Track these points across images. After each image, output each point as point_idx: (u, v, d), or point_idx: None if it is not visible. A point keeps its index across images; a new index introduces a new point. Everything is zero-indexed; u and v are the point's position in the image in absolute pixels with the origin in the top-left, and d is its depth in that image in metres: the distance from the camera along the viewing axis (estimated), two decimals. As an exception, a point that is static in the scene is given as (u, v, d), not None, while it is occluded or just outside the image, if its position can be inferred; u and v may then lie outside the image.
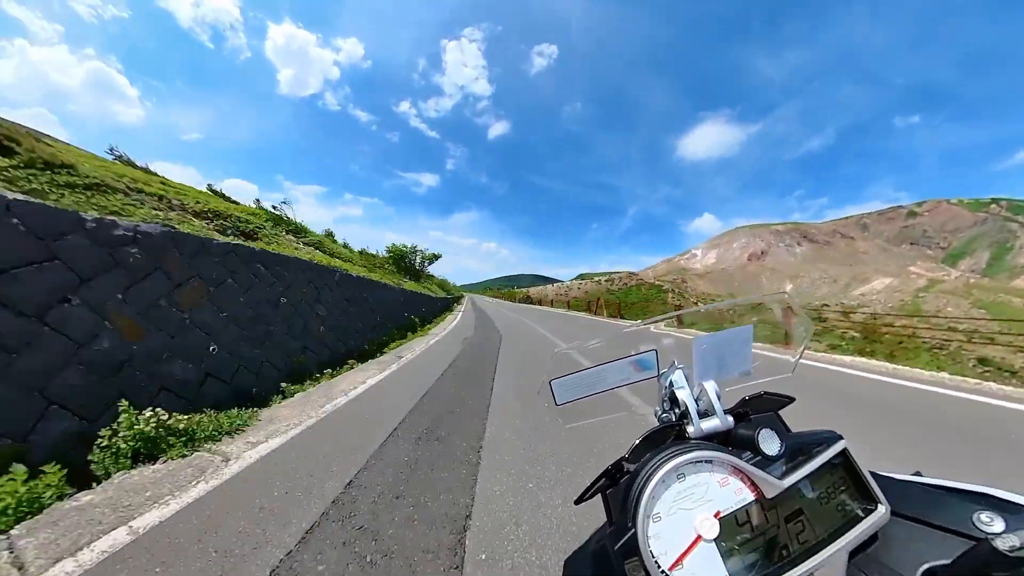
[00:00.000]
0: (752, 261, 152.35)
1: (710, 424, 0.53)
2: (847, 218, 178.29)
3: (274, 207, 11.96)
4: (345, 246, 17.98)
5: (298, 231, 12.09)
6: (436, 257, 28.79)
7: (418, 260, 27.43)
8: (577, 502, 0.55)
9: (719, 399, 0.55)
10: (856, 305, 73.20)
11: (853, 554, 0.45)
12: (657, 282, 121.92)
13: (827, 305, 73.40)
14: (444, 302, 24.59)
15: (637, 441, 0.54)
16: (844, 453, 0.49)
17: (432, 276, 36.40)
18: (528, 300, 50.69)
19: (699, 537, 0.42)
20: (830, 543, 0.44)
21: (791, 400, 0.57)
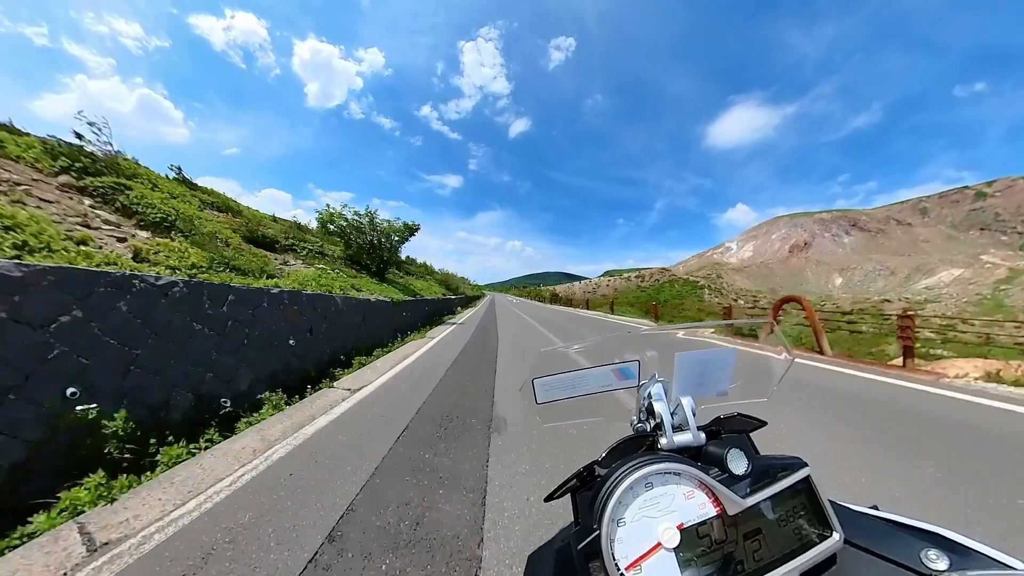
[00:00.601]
0: (794, 253, 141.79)
1: (683, 438, 0.56)
2: (902, 203, 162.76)
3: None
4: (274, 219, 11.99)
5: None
6: (411, 230, 15.93)
7: (378, 238, 14.17)
8: (547, 499, 0.57)
9: (694, 415, 0.58)
10: (922, 300, 65.27)
11: None
12: (691, 278, 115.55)
13: (888, 300, 65.96)
14: (439, 307, 18.35)
15: (611, 447, 0.58)
16: (807, 480, 0.51)
17: (414, 262, 26.86)
18: (556, 299, 43.83)
19: (659, 544, 0.44)
20: (784, 563, 0.46)
21: (763, 424, 0.60)
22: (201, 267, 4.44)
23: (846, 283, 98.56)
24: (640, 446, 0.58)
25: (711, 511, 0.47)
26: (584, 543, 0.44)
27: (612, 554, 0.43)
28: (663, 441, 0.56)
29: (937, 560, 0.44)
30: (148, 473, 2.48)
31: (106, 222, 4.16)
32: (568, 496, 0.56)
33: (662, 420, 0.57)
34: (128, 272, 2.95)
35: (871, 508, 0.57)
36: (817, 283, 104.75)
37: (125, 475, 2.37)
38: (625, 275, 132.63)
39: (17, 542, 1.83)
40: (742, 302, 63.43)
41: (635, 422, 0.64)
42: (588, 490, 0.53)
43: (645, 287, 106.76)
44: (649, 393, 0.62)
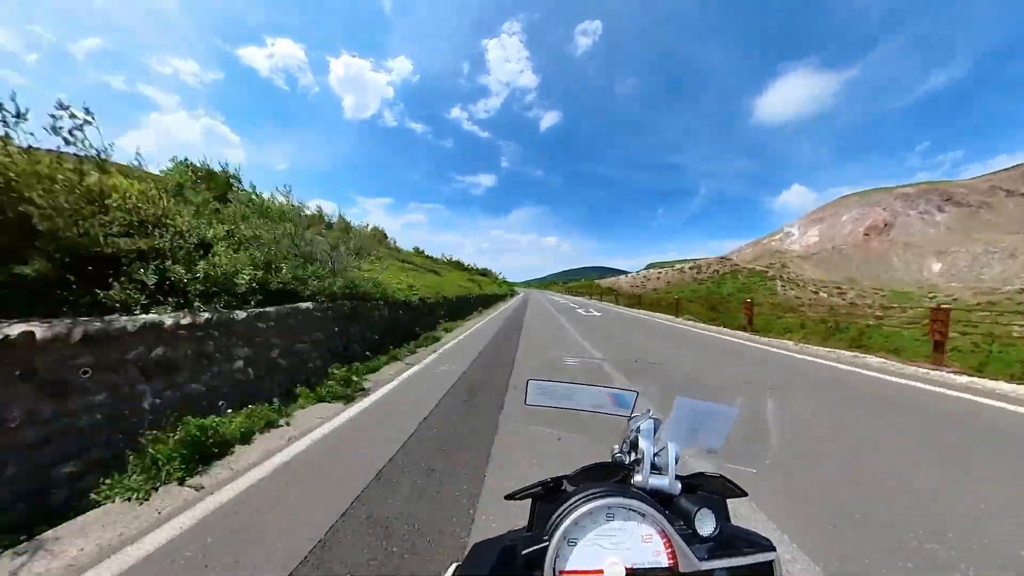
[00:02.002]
0: (872, 236, 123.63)
1: (658, 481, 0.55)
2: (1009, 170, 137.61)
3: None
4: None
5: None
6: (374, 242, 12.58)
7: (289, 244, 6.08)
8: (507, 498, 0.57)
9: (676, 463, 0.56)
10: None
11: None
12: (758, 268, 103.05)
13: None
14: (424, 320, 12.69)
15: (585, 467, 0.59)
16: (771, 565, 0.49)
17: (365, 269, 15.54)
18: (612, 293, 41.68)
19: (601, 572, 0.44)
20: None
21: (743, 494, 0.57)
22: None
23: (947, 269, 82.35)
24: (614, 475, 0.59)
25: (664, 562, 0.46)
26: (530, 550, 0.45)
27: (554, 569, 0.44)
28: (638, 478, 0.56)
29: None
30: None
31: None
32: (530, 501, 0.57)
33: (643, 457, 0.57)
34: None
35: None
36: (907, 271, 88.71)
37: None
38: (677, 266, 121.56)
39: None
40: (824, 294, 53.42)
41: (616, 451, 0.65)
42: (550, 502, 0.54)
43: (702, 279, 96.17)
44: (638, 427, 0.62)
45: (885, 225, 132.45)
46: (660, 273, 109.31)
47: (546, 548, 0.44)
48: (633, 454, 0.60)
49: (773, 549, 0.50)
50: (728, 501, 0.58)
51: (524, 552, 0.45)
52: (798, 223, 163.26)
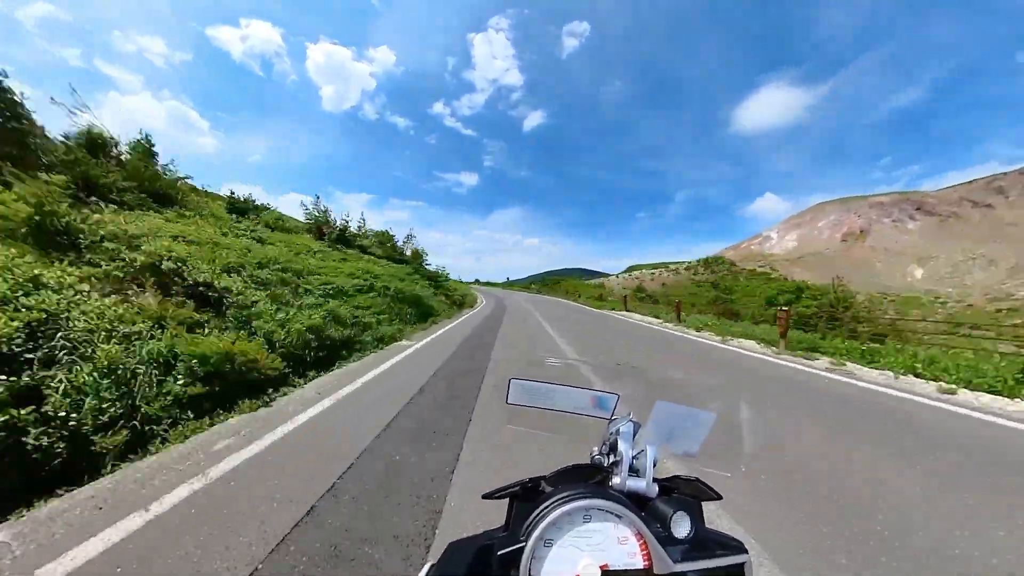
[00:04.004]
0: (848, 242, 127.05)
1: (636, 484, 0.55)
2: (971, 182, 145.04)
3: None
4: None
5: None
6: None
7: None
8: (484, 497, 0.57)
9: (654, 466, 0.56)
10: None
11: None
12: (759, 270, 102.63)
13: None
14: None
15: (562, 468, 0.59)
16: (742, 567, 0.50)
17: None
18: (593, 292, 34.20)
19: (577, 574, 0.44)
20: None
21: (718, 498, 0.58)
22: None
23: (930, 276, 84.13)
24: (591, 477, 0.59)
25: (639, 563, 0.46)
26: (506, 550, 0.45)
27: (530, 571, 0.44)
28: (616, 480, 0.56)
29: None
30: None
31: None
32: (507, 501, 0.56)
33: (622, 460, 0.57)
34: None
35: None
36: (891, 276, 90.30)
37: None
38: (672, 267, 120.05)
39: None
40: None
41: (595, 453, 0.64)
42: (528, 502, 0.53)
43: (700, 281, 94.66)
44: (618, 430, 0.61)
45: (861, 231, 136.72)
46: (654, 274, 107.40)
47: (522, 549, 0.44)
48: (612, 456, 0.59)
49: (745, 551, 0.51)
50: (704, 506, 0.58)
51: (500, 552, 0.45)
52: (778, 228, 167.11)
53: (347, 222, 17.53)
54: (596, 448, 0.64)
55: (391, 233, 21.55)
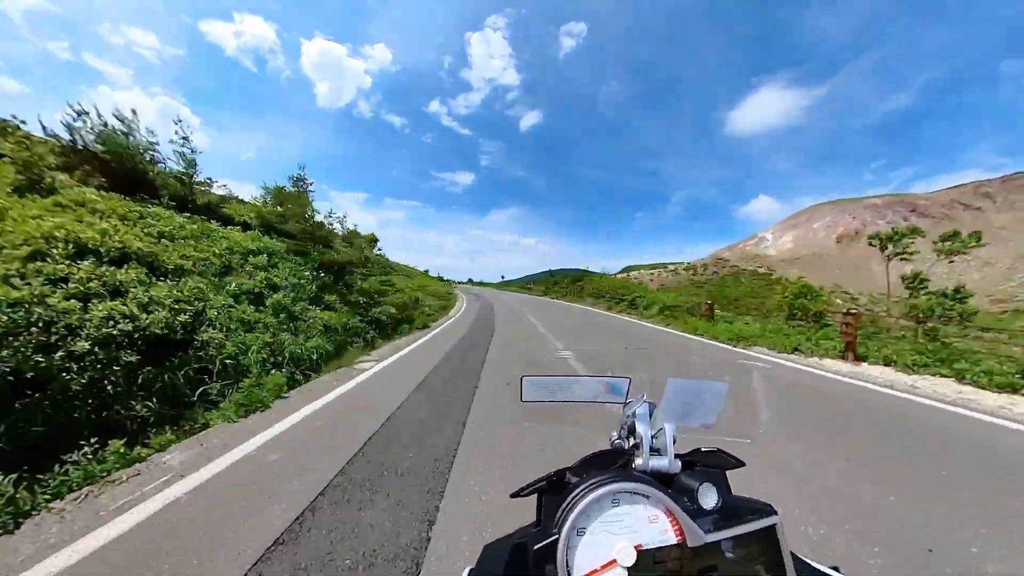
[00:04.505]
0: (844, 243, 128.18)
1: (658, 462, 0.55)
2: (960, 186, 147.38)
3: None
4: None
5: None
6: None
7: None
8: (513, 496, 0.57)
9: (674, 442, 0.57)
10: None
11: None
12: (761, 271, 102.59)
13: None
14: None
15: (585, 457, 0.60)
16: (774, 528, 0.50)
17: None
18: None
19: (615, 561, 0.44)
20: None
21: (741, 464, 0.58)
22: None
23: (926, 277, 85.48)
24: (615, 462, 0.60)
25: (672, 539, 0.47)
26: (541, 545, 0.45)
27: (567, 561, 0.44)
28: (638, 462, 0.56)
29: None
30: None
31: None
32: (535, 497, 0.56)
33: (642, 441, 0.57)
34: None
35: (832, 568, 0.55)
36: (890, 276, 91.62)
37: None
38: (671, 267, 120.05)
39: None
40: (839, 301, 52.44)
41: (615, 438, 0.65)
42: (555, 495, 0.52)
43: (700, 281, 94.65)
44: (634, 412, 0.61)
45: (856, 233, 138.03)
46: (653, 275, 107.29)
47: (557, 541, 0.44)
48: (632, 439, 0.60)
49: (775, 512, 0.51)
50: (729, 474, 0.58)
51: (536, 548, 0.45)
52: (773, 229, 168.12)
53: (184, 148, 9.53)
54: (615, 433, 0.65)
55: (301, 191, 11.11)
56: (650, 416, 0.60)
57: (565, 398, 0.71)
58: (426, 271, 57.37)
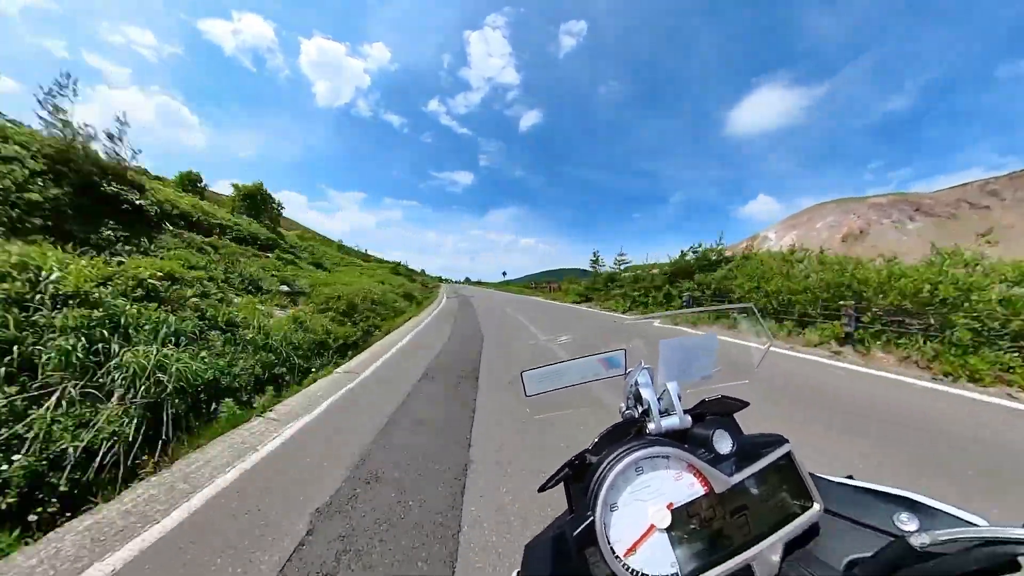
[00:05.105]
0: (848, 242, 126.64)
1: (670, 422, 0.57)
2: (965, 185, 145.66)
3: None
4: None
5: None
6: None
7: None
8: (540, 490, 0.56)
9: (679, 399, 0.59)
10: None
11: (791, 546, 0.48)
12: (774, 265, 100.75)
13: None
14: None
15: (601, 434, 0.58)
16: (789, 455, 0.53)
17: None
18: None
19: (652, 527, 0.46)
20: (769, 535, 0.48)
21: (746, 405, 0.61)
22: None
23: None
24: (629, 432, 0.59)
25: (699, 490, 0.48)
26: (579, 530, 0.45)
27: (608, 539, 0.44)
28: (651, 426, 0.57)
29: (908, 522, 0.47)
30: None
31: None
32: (562, 486, 0.56)
33: (650, 406, 0.59)
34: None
35: (847, 478, 0.59)
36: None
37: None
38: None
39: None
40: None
41: (623, 409, 0.66)
42: (580, 479, 0.53)
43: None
44: (636, 380, 0.63)
45: (860, 232, 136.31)
46: (655, 270, 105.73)
47: (593, 522, 0.45)
48: (639, 406, 0.62)
49: (786, 441, 0.54)
50: (736, 416, 0.61)
51: (575, 534, 0.45)
52: (775, 228, 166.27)
53: None
54: (623, 404, 0.66)
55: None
56: (652, 381, 0.62)
57: (568, 383, 0.71)
58: (397, 264, 51.75)
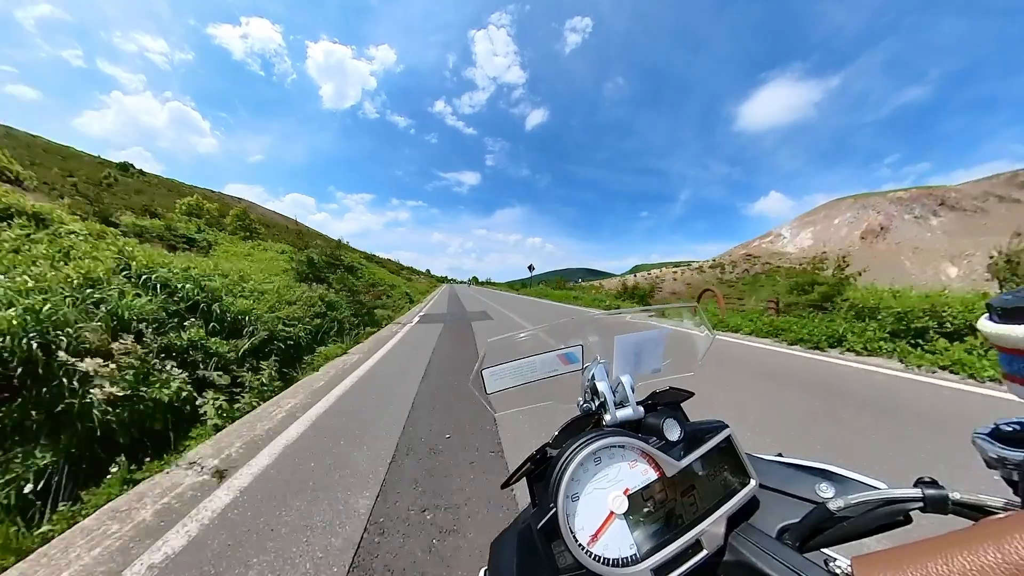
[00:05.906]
0: (868, 239, 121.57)
1: (624, 413, 0.60)
2: (993, 177, 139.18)
3: None
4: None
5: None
6: None
7: None
8: (503, 486, 0.59)
9: (633, 391, 0.62)
10: None
11: (734, 519, 0.53)
12: (801, 266, 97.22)
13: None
14: None
15: (560, 428, 0.61)
16: (729, 439, 0.57)
17: None
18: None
19: (612, 514, 0.48)
20: (715, 511, 0.52)
21: (691, 395, 0.66)
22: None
23: (965, 275, 78.64)
24: (587, 424, 0.62)
25: (652, 476, 0.51)
26: (543, 522, 0.47)
27: (571, 529, 0.46)
28: (607, 417, 0.60)
29: (827, 490, 0.52)
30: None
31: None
32: (525, 482, 0.58)
33: (605, 398, 0.61)
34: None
35: (777, 456, 0.63)
36: (922, 275, 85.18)
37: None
38: (695, 265, 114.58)
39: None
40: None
41: (581, 402, 0.68)
42: (543, 473, 0.55)
43: (731, 280, 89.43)
44: (592, 374, 0.66)
45: (882, 228, 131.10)
46: (676, 273, 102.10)
47: (556, 514, 0.46)
48: (596, 399, 0.64)
49: (727, 426, 0.58)
50: (683, 405, 0.66)
51: (539, 527, 0.47)
52: (790, 225, 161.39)
53: None
54: (580, 398, 0.69)
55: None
56: (607, 374, 0.65)
57: (528, 379, 0.73)
58: (388, 260, 50.18)
